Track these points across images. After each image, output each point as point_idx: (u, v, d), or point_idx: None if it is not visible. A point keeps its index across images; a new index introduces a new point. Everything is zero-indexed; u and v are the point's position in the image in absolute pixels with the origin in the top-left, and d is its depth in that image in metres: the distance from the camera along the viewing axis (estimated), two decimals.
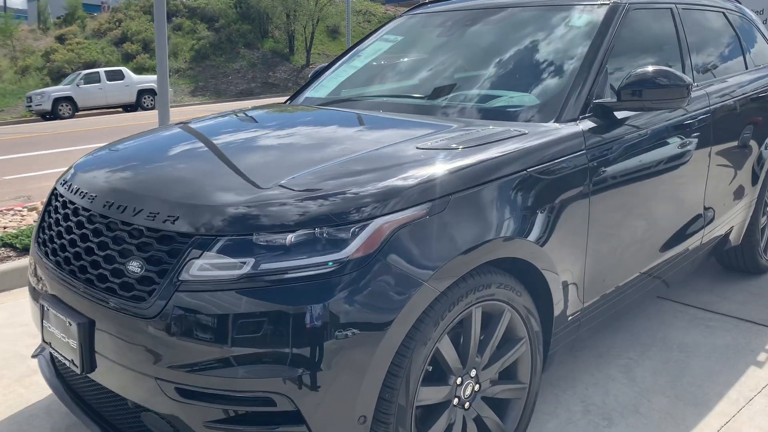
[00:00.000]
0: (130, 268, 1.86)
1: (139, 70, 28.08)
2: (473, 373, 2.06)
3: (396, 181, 1.88)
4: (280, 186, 1.87)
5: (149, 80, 24.04)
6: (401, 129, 2.46)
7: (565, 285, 2.29)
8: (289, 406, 1.70)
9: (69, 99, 22.91)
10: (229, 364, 1.70)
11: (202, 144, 2.43)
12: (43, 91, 23.24)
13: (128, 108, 24.04)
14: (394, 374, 1.81)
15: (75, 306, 2.00)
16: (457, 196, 1.92)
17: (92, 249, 1.99)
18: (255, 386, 1.70)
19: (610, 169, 2.43)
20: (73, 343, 1.97)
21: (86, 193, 2.16)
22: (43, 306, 2.14)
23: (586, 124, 2.42)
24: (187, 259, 1.75)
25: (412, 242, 1.80)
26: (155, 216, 1.87)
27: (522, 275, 2.17)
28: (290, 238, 1.74)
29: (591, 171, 2.34)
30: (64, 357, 2.06)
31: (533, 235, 2.09)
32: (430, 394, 1.95)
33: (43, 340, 2.18)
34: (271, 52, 33.37)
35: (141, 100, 24.06)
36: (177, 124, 2.88)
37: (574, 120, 2.41)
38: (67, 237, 2.12)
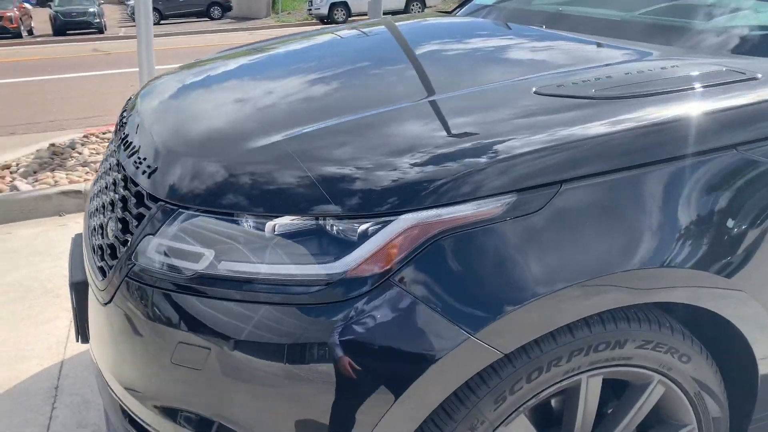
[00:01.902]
0: (109, 227, 1.39)
1: None
2: None
3: (460, 151, 1.10)
4: (277, 142, 1.21)
5: None
6: (550, 54, 1.59)
7: None
8: None
9: (344, 4, 23.78)
10: (165, 405, 1.16)
11: (271, 69, 1.83)
12: None
13: (395, 14, 24.27)
14: None
15: (83, 257, 1.62)
16: (574, 187, 1.09)
17: (102, 190, 1.57)
18: None
19: None
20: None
21: (123, 120, 1.73)
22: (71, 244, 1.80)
23: None
24: (145, 232, 1.22)
25: (465, 261, 1.04)
26: (140, 162, 1.36)
27: (694, 322, 1.27)
28: (270, 227, 1.10)
29: None
30: None
31: (718, 261, 1.15)
32: None
33: None
34: None
35: (409, 7, 24.06)
36: (292, 36, 2.31)
37: None
38: (101, 169, 1.73)
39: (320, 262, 1.06)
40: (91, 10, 22.36)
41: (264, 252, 1.09)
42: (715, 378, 1.29)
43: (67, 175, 4.31)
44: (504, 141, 1.11)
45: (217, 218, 1.13)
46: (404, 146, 1.12)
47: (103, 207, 1.48)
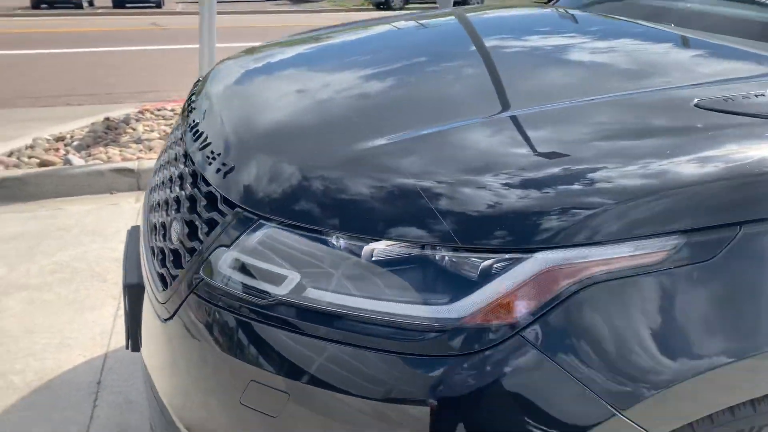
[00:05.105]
0: (173, 229, 1.22)
1: None
2: None
3: (612, 176, 0.88)
4: (380, 146, 1.01)
5: None
6: (698, 59, 1.35)
7: None
8: None
9: None
10: None
11: (354, 64, 1.62)
12: None
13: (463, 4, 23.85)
14: None
15: (140, 257, 1.45)
16: (757, 231, 0.86)
17: (165, 182, 1.40)
18: None
19: None
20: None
21: (191, 105, 1.56)
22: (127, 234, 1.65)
23: None
24: (217, 243, 1.04)
25: (617, 319, 0.83)
26: (214, 158, 1.18)
27: None
28: (367, 251, 0.90)
29: None
30: None
31: None
32: None
33: None
34: None
35: None
36: (392, 21, 2.11)
37: None
38: (164, 157, 1.56)
39: (429, 302, 0.86)
40: None
41: (359, 282, 0.90)
42: None
43: (120, 151, 4.21)
44: (667, 166, 0.89)
45: (305, 236, 0.94)
46: (542, 163, 0.91)
47: (167, 203, 1.31)
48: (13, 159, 4.03)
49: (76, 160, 3.98)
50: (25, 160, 4.01)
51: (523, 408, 0.81)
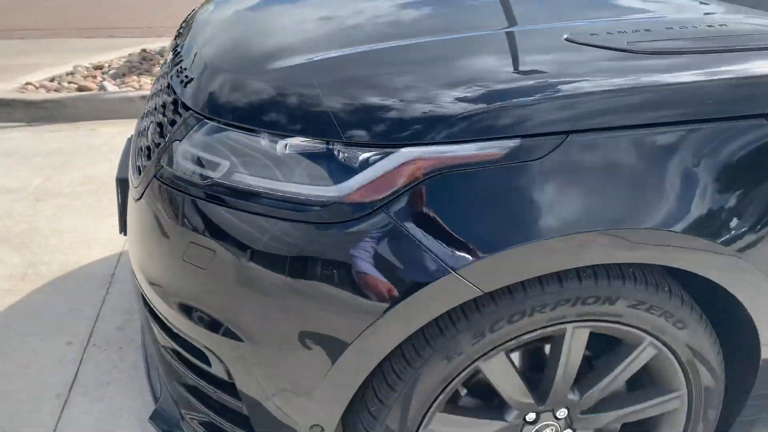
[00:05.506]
0: (149, 130, 1.49)
1: None
2: (562, 413, 1.30)
3: (466, 91, 1.10)
4: (301, 65, 1.24)
5: None
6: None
7: None
8: (223, 374, 1.23)
9: None
10: (180, 302, 1.26)
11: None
12: None
13: None
14: (386, 386, 1.18)
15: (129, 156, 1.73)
16: (580, 139, 1.08)
17: (155, 94, 1.66)
18: (189, 330, 1.25)
19: None
20: None
21: (180, 30, 1.81)
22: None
23: None
24: (174, 137, 1.30)
25: (459, 200, 1.06)
26: (181, 71, 1.43)
27: (702, 291, 1.26)
28: (282, 145, 1.15)
29: None
30: None
31: (725, 232, 1.13)
32: (462, 426, 1.28)
33: None
34: None
35: None
36: None
37: None
38: (159, 72, 1.82)
39: (322, 184, 1.11)
40: None
41: (273, 169, 1.15)
42: (712, 348, 1.28)
43: (151, 80, 4.51)
44: (514, 86, 1.10)
45: (237, 132, 1.20)
46: (412, 82, 1.14)
47: (150, 112, 1.58)
48: (55, 84, 4.38)
49: (111, 87, 4.30)
50: (65, 85, 4.35)
51: (383, 264, 1.06)
